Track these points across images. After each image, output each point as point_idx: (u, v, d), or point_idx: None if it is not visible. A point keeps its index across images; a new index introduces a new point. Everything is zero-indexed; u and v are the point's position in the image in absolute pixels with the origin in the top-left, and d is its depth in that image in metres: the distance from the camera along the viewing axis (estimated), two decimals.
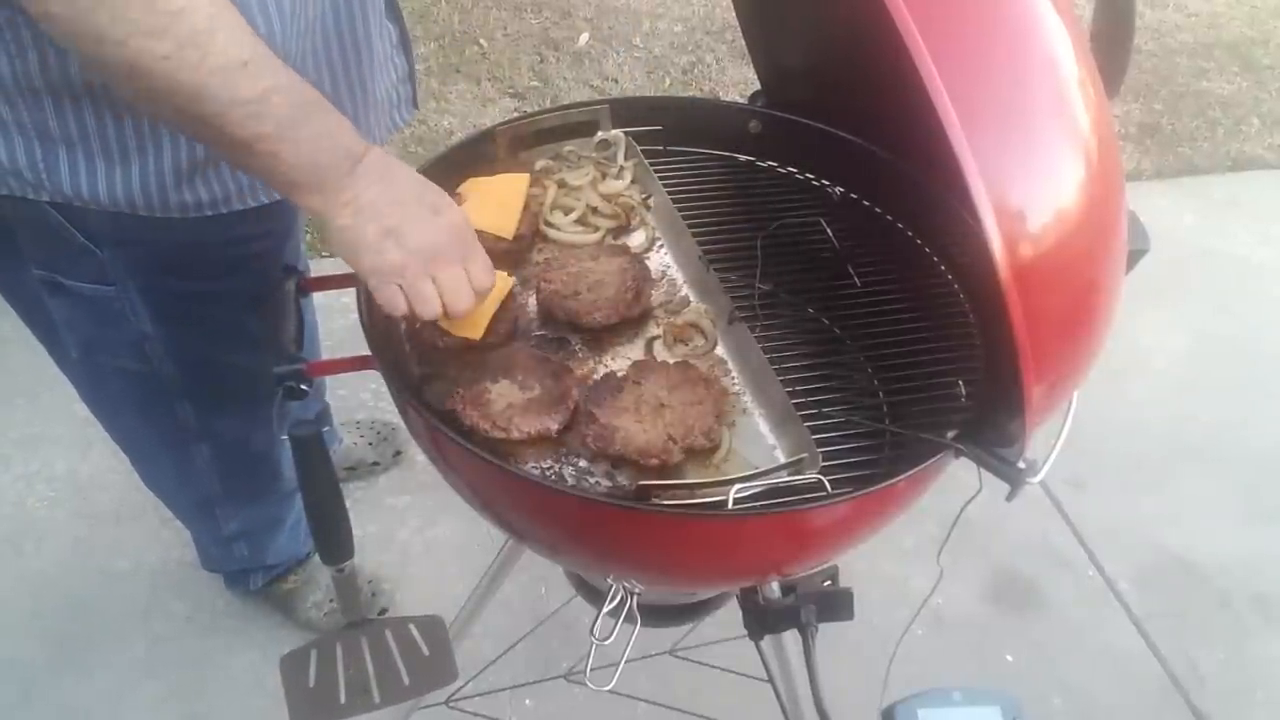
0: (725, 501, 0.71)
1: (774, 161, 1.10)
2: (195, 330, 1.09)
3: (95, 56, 0.65)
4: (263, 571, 1.59)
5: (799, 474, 0.74)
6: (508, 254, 0.95)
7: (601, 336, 0.89)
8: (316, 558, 1.60)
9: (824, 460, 0.76)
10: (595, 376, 0.85)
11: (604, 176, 1.05)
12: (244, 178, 0.94)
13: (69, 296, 1.00)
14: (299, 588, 1.63)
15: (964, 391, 0.84)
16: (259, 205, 0.97)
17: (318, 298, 1.07)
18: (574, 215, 1.00)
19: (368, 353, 0.80)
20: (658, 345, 0.90)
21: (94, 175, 0.87)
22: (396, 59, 1.10)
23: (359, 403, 1.99)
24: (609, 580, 0.79)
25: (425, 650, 0.95)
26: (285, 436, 0.85)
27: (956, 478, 0.78)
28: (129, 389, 1.15)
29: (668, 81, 3.10)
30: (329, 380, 1.70)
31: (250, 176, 0.93)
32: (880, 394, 0.86)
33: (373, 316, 0.81)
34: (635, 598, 0.79)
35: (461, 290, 0.78)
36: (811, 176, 1.09)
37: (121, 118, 0.84)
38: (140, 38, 0.63)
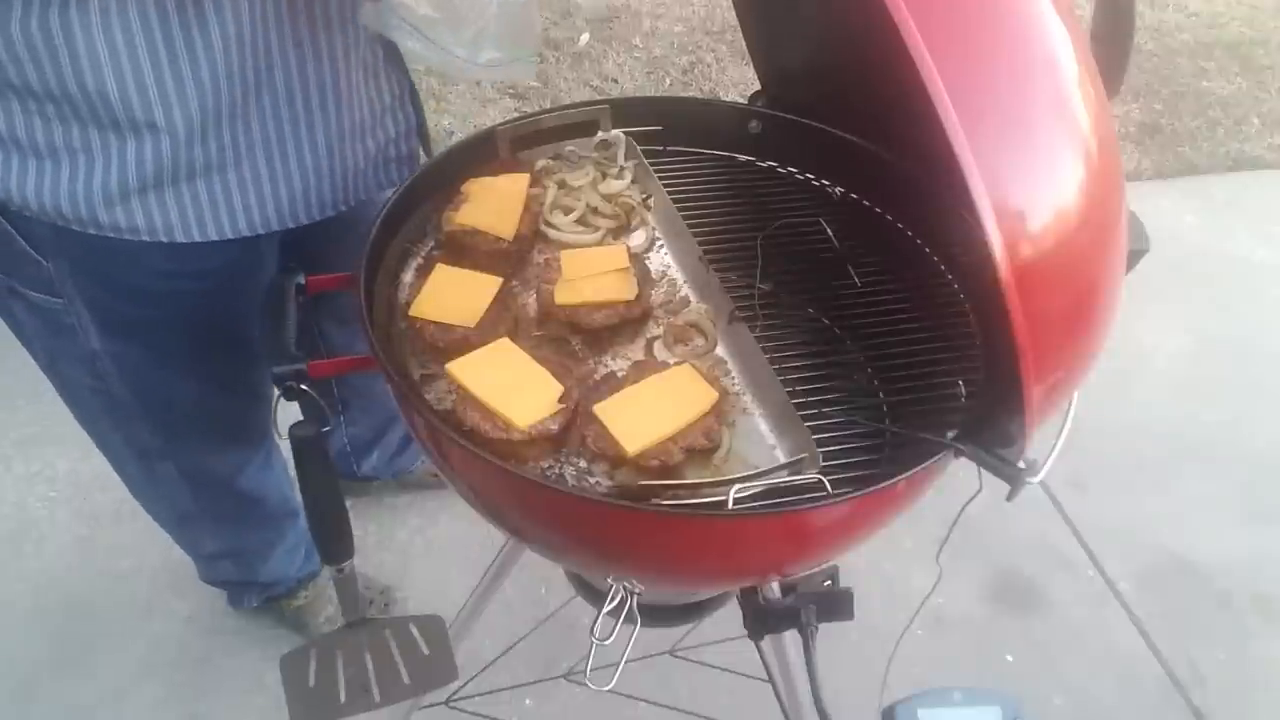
0: (725, 501, 0.71)
1: (774, 161, 1.10)
2: (145, 354, 1.06)
3: None
4: (257, 589, 1.58)
5: (799, 474, 0.74)
6: (508, 254, 0.95)
7: (601, 336, 0.89)
8: (325, 572, 1.59)
9: (824, 460, 0.76)
10: (595, 376, 0.85)
11: (604, 176, 1.05)
12: (189, 210, 0.91)
13: (26, 303, 0.99)
14: (309, 604, 1.62)
15: (964, 391, 0.84)
16: (199, 242, 0.93)
17: None
18: (574, 215, 1.00)
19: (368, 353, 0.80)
20: (658, 345, 0.90)
21: (25, 179, 0.85)
22: (398, 112, 1.07)
23: None
24: (609, 580, 0.79)
25: (425, 650, 0.95)
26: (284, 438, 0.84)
27: (956, 478, 0.78)
28: (93, 401, 1.13)
29: (668, 81, 3.10)
30: None
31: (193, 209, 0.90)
32: (880, 394, 0.86)
33: (373, 317, 0.81)
34: (635, 598, 0.79)
35: None
36: (811, 176, 1.09)
37: (55, 121, 0.82)
38: None
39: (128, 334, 1.03)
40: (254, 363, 1.13)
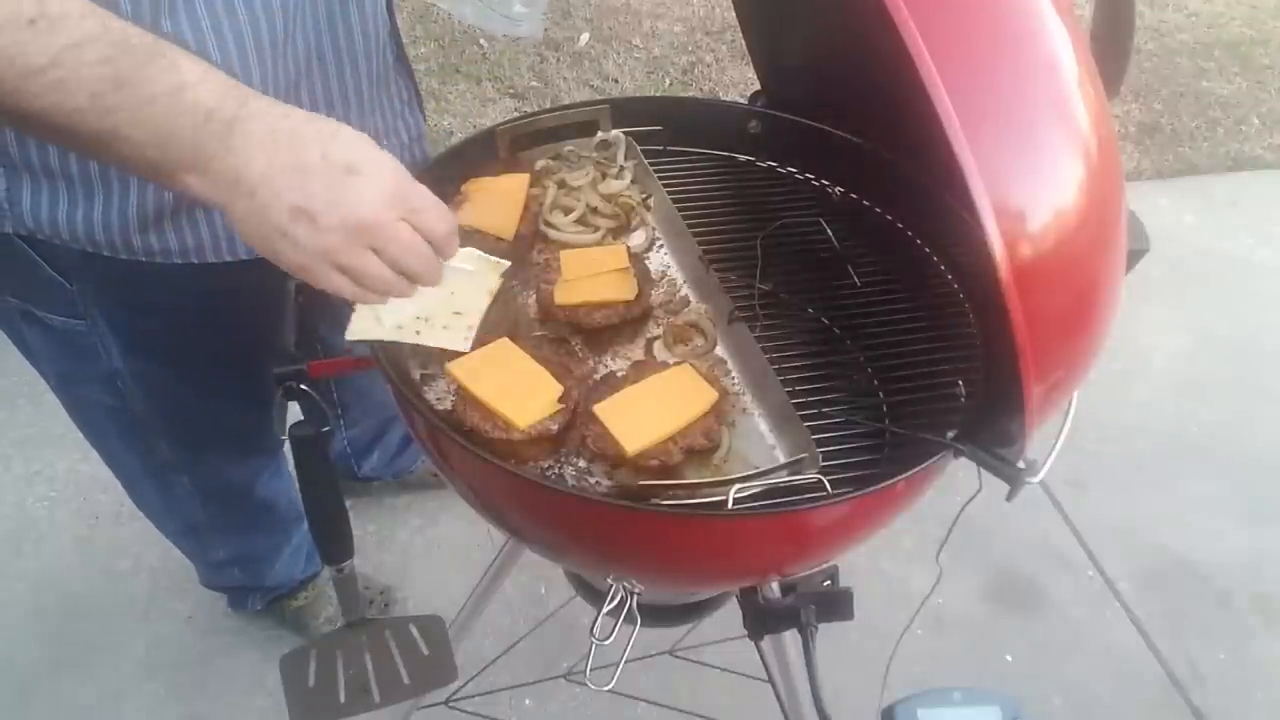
0: (725, 501, 0.71)
1: (774, 161, 1.10)
2: (168, 372, 1.06)
3: None
4: (261, 593, 1.59)
5: (799, 474, 0.74)
6: (507, 254, 0.94)
7: (601, 336, 0.89)
8: (325, 573, 1.60)
9: (824, 460, 0.76)
10: (595, 376, 0.85)
11: (604, 176, 1.04)
12: (220, 230, 0.89)
13: (41, 327, 0.98)
14: (309, 604, 1.62)
15: (964, 391, 0.84)
16: (233, 261, 0.92)
17: None
18: (574, 215, 1.00)
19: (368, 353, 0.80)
20: (658, 345, 0.90)
21: (56, 209, 0.83)
22: (408, 117, 1.06)
23: None
24: (609, 580, 0.79)
25: (425, 650, 0.95)
26: (284, 437, 0.84)
27: (956, 478, 0.78)
28: (108, 419, 1.13)
29: (668, 81, 3.10)
30: None
31: (205, 229, 0.88)
32: (880, 394, 0.86)
33: None
34: (635, 598, 0.79)
35: (414, 251, 0.64)
36: (811, 176, 1.09)
37: None
38: None
39: (153, 352, 1.03)
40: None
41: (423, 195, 0.66)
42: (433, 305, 0.73)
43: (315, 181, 0.60)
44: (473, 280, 0.77)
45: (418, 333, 0.72)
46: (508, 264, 0.78)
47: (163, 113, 0.57)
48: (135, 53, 0.55)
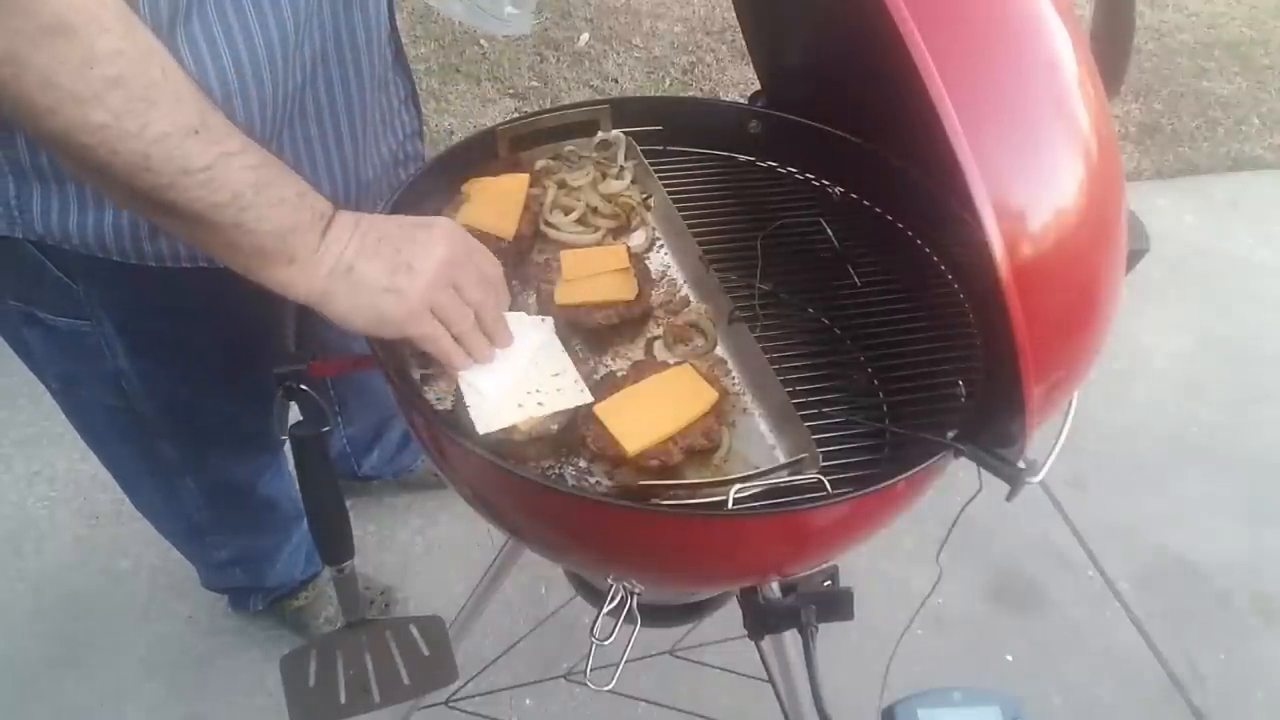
0: (725, 501, 0.71)
1: (774, 161, 1.10)
2: (173, 371, 1.06)
3: (28, 126, 0.59)
4: (262, 593, 1.59)
5: (799, 474, 0.74)
6: (508, 254, 0.94)
7: (601, 336, 0.89)
8: (325, 573, 1.60)
9: (824, 460, 0.76)
10: (595, 376, 0.85)
11: (604, 176, 1.05)
12: None
13: (44, 329, 0.98)
14: (310, 604, 1.62)
15: (964, 391, 0.84)
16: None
17: None
18: (574, 215, 1.00)
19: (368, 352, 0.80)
20: (658, 345, 0.90)
21: (66, 215, 0.84)
22: (404, 114, 1.07)
23: None
24: (609, 580, 0.79)
25: (425, 650, 0.95)
26: (284, 437, 0.84)
27: (956, 478, 0.78)
28: (110, 421, 1.13)
29: (668, 81, 3.10)
30: None
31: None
32: (880, 394, 0.86)
33: None
34: (635, 598, 0.79)
35: (480, 282, 0.75)
36: (811, 176, 1.09)
37: None
38: (72, 105, 0.57)
39: (159, 353, 1.03)
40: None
41: (474, 240, 0.78)
42: (532, 380, 0.79)
43: (403, 242, 0.72)
44: (537, 346, 0.81)
45: (540, 404, 0.77)
46: (550, 319, 0.84)
47: (288, 212, 0.68)
48: (272, 165, 0.67)
